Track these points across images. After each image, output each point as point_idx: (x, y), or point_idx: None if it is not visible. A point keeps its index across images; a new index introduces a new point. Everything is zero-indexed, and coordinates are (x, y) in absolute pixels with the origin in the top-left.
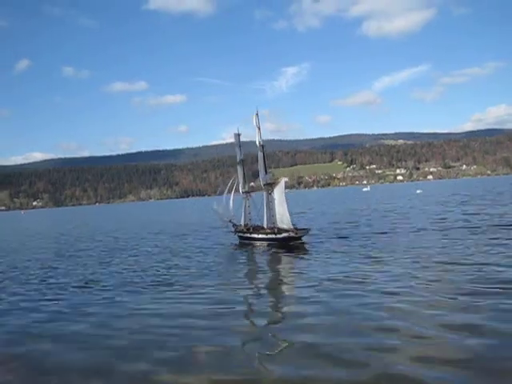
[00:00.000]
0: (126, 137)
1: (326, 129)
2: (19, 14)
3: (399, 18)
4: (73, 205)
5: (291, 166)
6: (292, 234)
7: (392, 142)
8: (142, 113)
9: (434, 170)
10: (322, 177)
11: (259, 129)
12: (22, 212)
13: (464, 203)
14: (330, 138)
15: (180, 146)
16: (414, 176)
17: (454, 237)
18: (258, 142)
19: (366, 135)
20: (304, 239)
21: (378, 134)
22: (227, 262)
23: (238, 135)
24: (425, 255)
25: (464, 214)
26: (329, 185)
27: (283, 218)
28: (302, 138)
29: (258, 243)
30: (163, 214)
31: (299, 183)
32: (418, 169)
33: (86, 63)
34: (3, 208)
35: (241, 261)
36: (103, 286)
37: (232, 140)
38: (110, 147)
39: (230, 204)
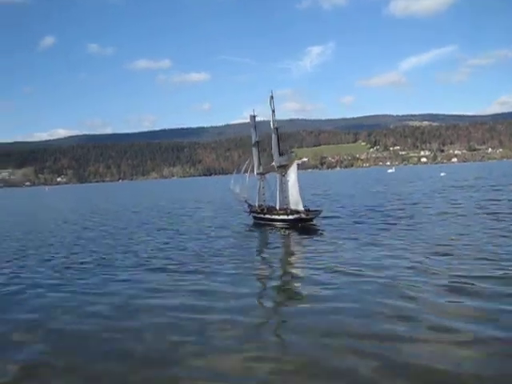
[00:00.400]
0: (150, 114)
1: (350, 109)
2: None
3: None
4: (96, 181)
5: (314, 145)
6: (303, 216)
7: (417, 124)
8: (165, 90)
9: (459, 152)
10: (345, 157)
11: (274, 111)
12: (46, 188)
13: (487, 188)
14: (354, 118)
15: (204, 124)
16: (439, 158)
17: (471, 224)
18: (272, 125)
19: (390, 116)
20: (316, 221)
21: (403, 115)
22: (236, 245)
23: (254, 117)
24: (438, 245)
25: (485, 200)
26: (352, 165)
27: (296, 199)
28: (325, 117)
29: (274, 224)
30: (185, 192)
31: (322, 163)
32: (442, 151)
33: (111, 40)
34: (28, 183)
35: (249, 244)
36: (109, 267)
37: (257, 119)
38: (133, 124)
39: (246, 185)
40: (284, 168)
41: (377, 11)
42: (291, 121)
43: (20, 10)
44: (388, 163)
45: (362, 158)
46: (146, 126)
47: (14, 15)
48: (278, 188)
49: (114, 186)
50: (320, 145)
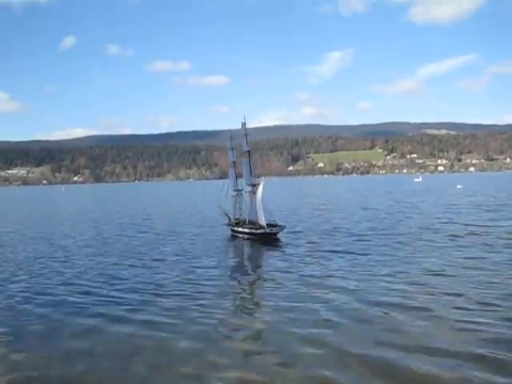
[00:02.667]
0: (168, 116)
1: (367, 115)
2: None
3: (446, 5)
4: (113, 181)
5: (331, 151)
6: (267, 231)
7: (435, 132)
8: (184, 92)
9: (477, 162)
10: (361, 164)
11: (246, 135)
12: (63, 188)
13: (498, 207)
14: (371, 124)
15: (221, 127)
16: (456, 167)
17: (444, 263)
18: (244, 148)
19: (408, 124)
20: (282, 236)
21: (421, 123)
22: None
23: (231, 139)
24: (386, 290)
25: (484, 226)
26: (368, 172)
27: (260, 215)
28: (343, 123)
29: (245, 236)
30: (186, 197)
31: (338, 169)
32: (459, 160)
33: (131, 42)
34: (45, 182)
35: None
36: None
37: (274, 123)
38: (151, 126)
39: (224, 200)
40: (255, 186)
41: (396, 18)
42: (308, 126)
43: (43, 11)
44: (404, 171)
45: (379, 165)
46: (163, 127)
47: (37, 16)
48: (247, 204)
49: (129, 188)
50: (336, 150)
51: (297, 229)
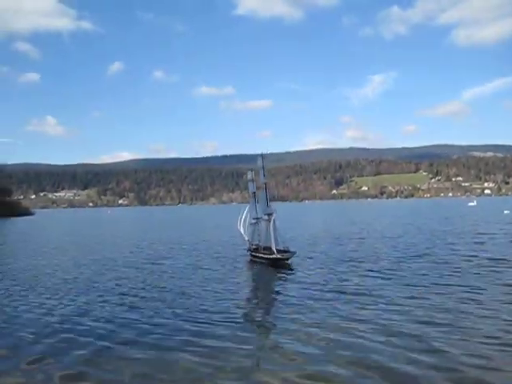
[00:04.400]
0: (212, 140)
1: (411, 138)
2: (115, 20)
3: (490, 26)
4: (157, 204)
5: (375, 175)
6: (279, 256)
7: (480, 154)
8: (227, 117)
9: None
10: (405, 187)
11: (263, 168)
12: (108, 211)
13: None
14: (415, 147)
15: (264, 151)
16: (503, 190)
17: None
18: (261, 181)
19: (453, 146)
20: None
21: (466, 146)
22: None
23: (252, 171)
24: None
25: None
26: (412, 196)
27: (274, 241)
28: (386, 146)
29: (261, 261)
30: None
31: (382, 193)
32: (507, 183)
33: (176, 67)
34: (91, 205)
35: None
36: None
37: (317, 146)
38: (195, 150)
39: (245, 228)
40: (270, 215)
41: (439, 40)
42: (351, 149)
43: (90, 38)
44: (450, 194)
45: (423, 188)
46: (207, 151)
47: (84, 43)
48: (264, 232)
49: (172, 211)
50: (380, 174)
51: (322, 256)
